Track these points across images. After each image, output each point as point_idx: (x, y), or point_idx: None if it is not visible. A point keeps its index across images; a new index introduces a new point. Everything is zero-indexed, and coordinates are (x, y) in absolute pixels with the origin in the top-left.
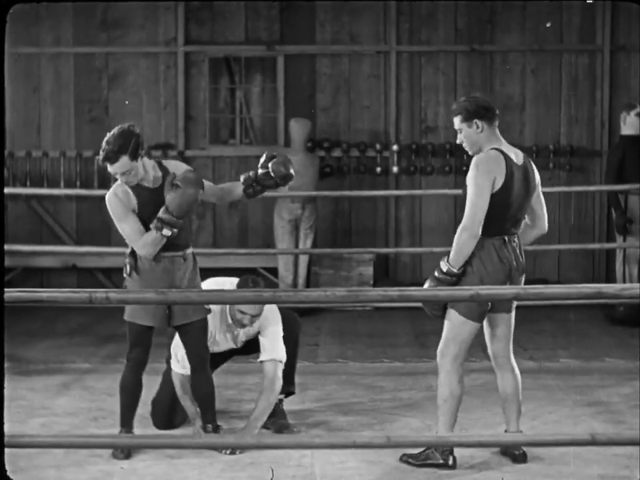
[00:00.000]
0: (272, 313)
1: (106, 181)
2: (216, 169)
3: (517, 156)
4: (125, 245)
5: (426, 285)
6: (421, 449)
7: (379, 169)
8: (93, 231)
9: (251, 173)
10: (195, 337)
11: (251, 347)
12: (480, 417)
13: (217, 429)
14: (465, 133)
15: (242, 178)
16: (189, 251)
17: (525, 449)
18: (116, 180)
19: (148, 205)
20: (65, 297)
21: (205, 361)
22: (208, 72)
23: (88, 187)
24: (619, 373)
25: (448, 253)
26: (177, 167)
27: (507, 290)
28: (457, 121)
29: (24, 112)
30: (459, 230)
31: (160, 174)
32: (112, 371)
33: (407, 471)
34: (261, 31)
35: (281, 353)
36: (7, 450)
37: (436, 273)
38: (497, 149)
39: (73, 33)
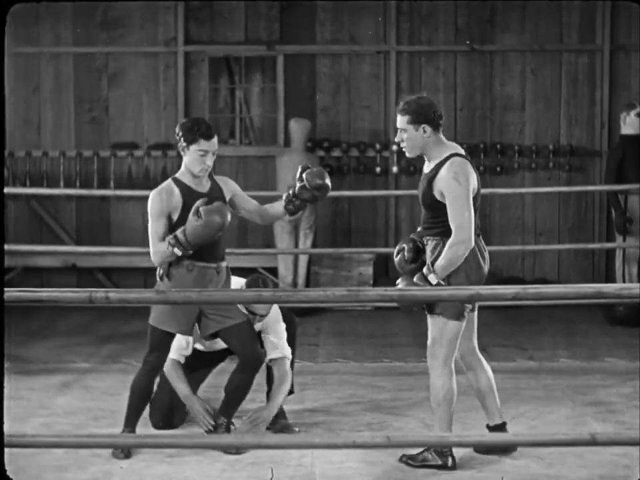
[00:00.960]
0: (274, 311)
1: (106, 181)
2: (216, 168)
3: (465, 153)
4: (126, 245)
5: (401, 285)
6: (420, 450)
7: (378, 169)
8: (93, 230)
9: (290, 190)
10: (241, 338)
11: None
12: (480, 417)
13: (229, 425)
14: (409, 134)
15: (284, 196)
16: (224, 264)
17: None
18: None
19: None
20: (65, 296)
21: (255, 362)
22: (208, 72)
23: (88, 187)
24: (618, 372)
25: (423, 262)
26: (227, 184)
27: (507, 290)
28: (403, 120)
29: (24, 112)
30: (453, 244)
31: (209, 184)
32: (112, 370)
33: (407, 471)
34: (261, 31)
35: (288, 350)
36: (6, 450)
37: (419, 282)
38: (458, 155)
39: (73, 33)
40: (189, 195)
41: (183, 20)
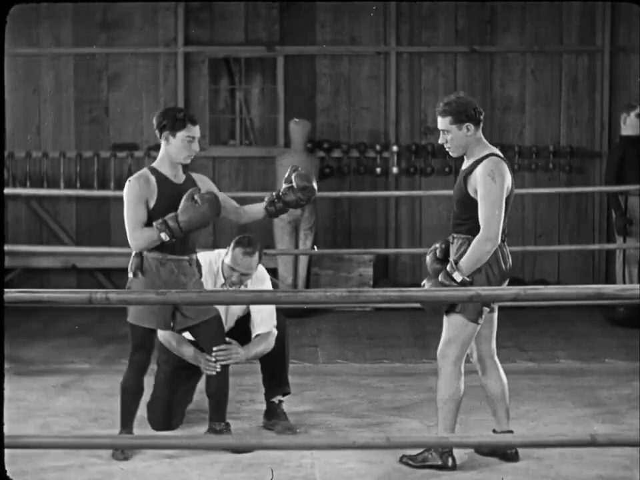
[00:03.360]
0: (259, 270)
1: (106, 182)
2: (216, 169)
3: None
4: (127, 246)
5: (427, 286)
6: (420, 450)
7: (378, 170)
8: (93, 231)
9: (273, 192)
10: (212, 335)
11: (243, 336)
12: (480, 418)
13: (227, 427)
14: (453, 134)
15: (266, 198)
16: (195, 256)
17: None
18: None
19: (168, 199)
20: (65, 297)
21: None
22: (208, 73)
23: (88, 188)
24: (618, 373)
25: (447, 259)
26: (202, 180)
27: (507, 291)
28: (445, 122)
29: (24, 112)
30: (480, 240)
31: (184, 177)
32: (112, 371)
33: (407, 472)
34: (261, 32)
35: (273, 323)
36: (6, 450)
37: (444, 280)
38: (495, 155)
39: (73, 34)
40: (165, 185)
41: (182, 21)
